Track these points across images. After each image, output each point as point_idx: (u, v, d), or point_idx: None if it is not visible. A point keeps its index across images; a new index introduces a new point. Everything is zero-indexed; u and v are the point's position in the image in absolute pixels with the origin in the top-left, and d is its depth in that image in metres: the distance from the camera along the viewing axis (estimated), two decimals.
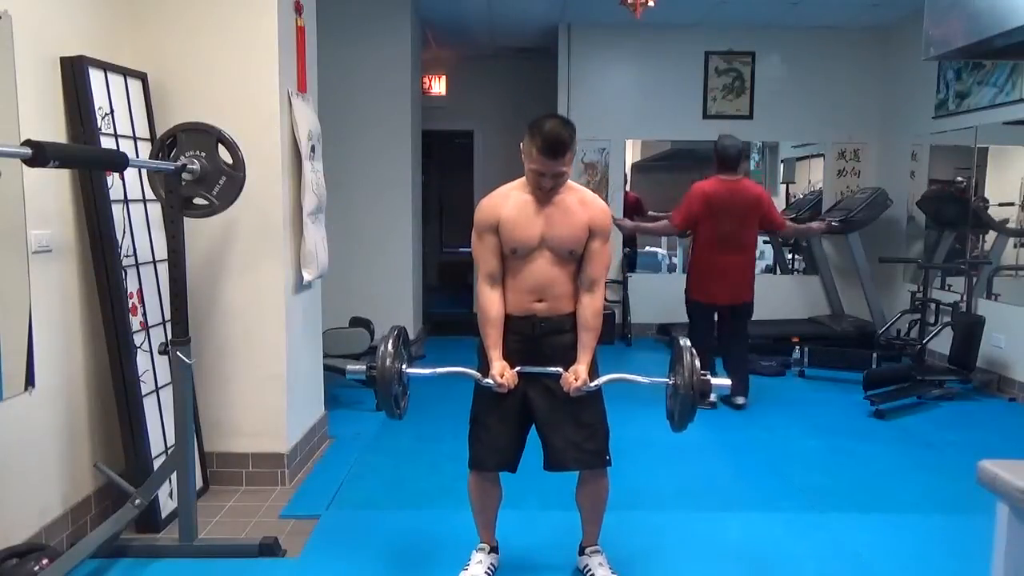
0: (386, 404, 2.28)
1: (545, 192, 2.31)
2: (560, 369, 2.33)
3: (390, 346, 2.25)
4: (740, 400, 4.63)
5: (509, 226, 2.33)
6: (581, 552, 2.59)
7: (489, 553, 2.56)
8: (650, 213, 6.97)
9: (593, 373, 2.37)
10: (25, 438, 2.50)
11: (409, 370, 2.35)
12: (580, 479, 2.50)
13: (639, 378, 2.37)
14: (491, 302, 2.37)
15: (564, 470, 2.42)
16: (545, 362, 2.36)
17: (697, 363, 2.22)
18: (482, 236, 2.37)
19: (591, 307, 2.37)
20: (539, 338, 2.38)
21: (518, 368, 2.34)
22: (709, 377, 2.23)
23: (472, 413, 2.45)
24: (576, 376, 2.30)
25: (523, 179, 2.38)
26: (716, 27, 6.65)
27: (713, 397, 4.60)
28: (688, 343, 2.30)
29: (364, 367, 2.26)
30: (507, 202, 2.36)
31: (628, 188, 7.08)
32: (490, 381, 2.31)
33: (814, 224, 5.32)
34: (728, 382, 2.42)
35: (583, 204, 2.36)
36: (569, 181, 2.38)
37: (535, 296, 2.37)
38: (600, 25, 6.66)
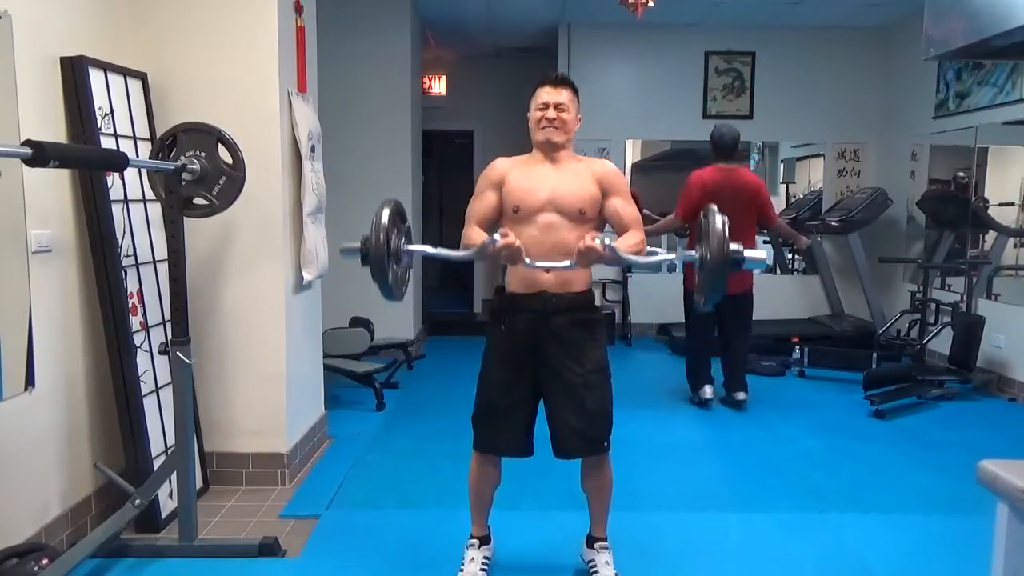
0: (381, 280, 2.12)
1: (550, 129, 2.32)
2: (571, 262, 2.19)
3: (384, 218, 2.09)
4: (741, 396, 4.58)
5: (515, 183, 2.33)
6: (590, 544, 2.55)
7: (480, 547, 2.54)
8: (645, 212, 6.95)
9: (599, 340, 2.38)
10: (25, 438, 2.50)
11: (409, 247, 2.21)
12: (583, 464, 2.48)
13: (662, 252, 2.30)
14: (473, 232, 2.34)
15: (566, 458, 2.43)
16: (555, 349, 2.33)
17: (727, 231, 1.99)
18: (482, 193, 2.38)
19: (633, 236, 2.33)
20: (550, 315, 2.31)
21: (527, 261, 2.17)
22: (740, 248, 2.01)
23: (475, 411, 2.45)
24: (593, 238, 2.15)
25: (531, 153, 2.41)
26: (716, 27, 6.65)
27: (709, 394, 4.61)
28: (715, 210, 2.07)
29: (358, 243, 2.09)
30: (517, 165, 2.39)
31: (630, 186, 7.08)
32: (495, 239, 2.14)
33: (804, 238, 5.27)
34: (763, 255, 2.15)
35: (590, 165, 2.39)
36: (577, 155, 2.41)
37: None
38: (600, 25, 6.66)
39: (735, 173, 4.49)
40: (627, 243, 2.28)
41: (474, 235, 2.33)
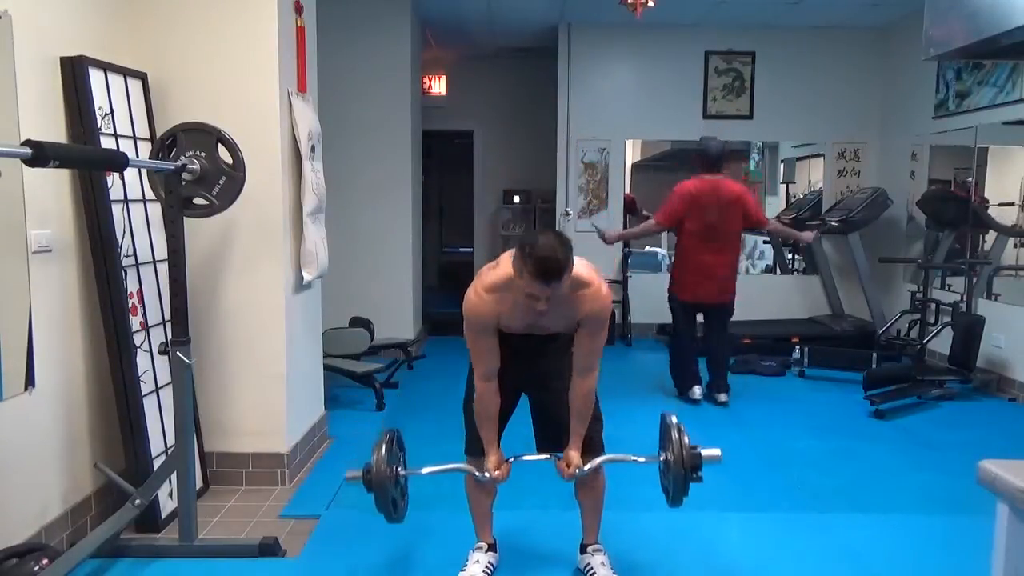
0: (383, 508, 2.25)
1: (535, 315, 2.16)
2: (549, 456, 2.36)
3: (384, 451, 2.22)
4: (723, 397, 4.70)
5: (504, 323, 2.25)
6: (583, 550, 2.58)
7: (487, 552, 2.55)
8: (644, 212, 6.96)
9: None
10: (25, 438, 2.50)
11: (405, 472, 2.33)
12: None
13: (631, 458, 2.37)
14: (488, 398, 2.31)
15: (553, 448, 2.44)
16: (543, 362, 2.37)
17: (686, 439, 2.19)
18: (479, 336, 2.25)
19: (582, 390, 2.29)
20: (539, 340, 2.37)
21: (511, 457, 2.36)
22: (699, 450, 2.20)
23: (466, 406, 2.46)
24: (569, 463, 2.31)
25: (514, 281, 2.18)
26: (716, 27, 6.65)
27: (698, 395, 4.73)
28: (675, 419, 2.27)
29: (361, 472, 2.23)
30: (504, 304, 2.21)
31: (628, 189, 7.08)
32: (485, 476, 2.32)
33: (804, 234, 5.28)
34: (718, 452, 2.24)
35: (582, 300, 2.21)
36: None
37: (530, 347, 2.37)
38: (600, 25, 6.65)
39: (719, 183, 4.64)
40: (579, 422, 2.32)
41: (486, 395, 2.31)
